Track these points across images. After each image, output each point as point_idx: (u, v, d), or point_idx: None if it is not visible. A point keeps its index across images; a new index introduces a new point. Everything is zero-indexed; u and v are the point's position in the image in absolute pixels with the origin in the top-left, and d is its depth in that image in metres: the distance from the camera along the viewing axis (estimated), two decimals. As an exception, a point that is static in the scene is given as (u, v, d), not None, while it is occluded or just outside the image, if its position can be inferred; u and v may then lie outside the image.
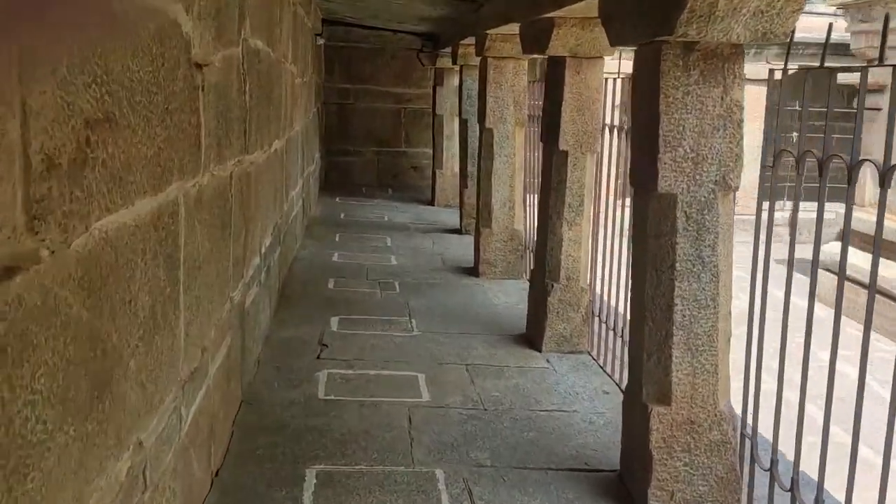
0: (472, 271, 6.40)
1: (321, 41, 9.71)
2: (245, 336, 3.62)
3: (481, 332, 4.87)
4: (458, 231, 8.17)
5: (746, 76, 3.31)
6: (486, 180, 6.15)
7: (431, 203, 10.00)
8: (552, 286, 4.45)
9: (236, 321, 3.38)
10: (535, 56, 4.56)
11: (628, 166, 3.01)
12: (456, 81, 9.72)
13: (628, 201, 3.34)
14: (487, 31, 5.71)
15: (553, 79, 4.35)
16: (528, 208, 6.44)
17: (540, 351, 4.51)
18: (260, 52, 3.90)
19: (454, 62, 7.95)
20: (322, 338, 4.55)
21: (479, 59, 7.13)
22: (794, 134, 10.64)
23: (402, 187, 11.26)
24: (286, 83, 5.28)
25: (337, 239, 7.52)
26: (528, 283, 6.19)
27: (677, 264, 2.61)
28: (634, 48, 2.85)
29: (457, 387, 3.91)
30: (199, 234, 2.51)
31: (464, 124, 8.03)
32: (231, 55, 3.06)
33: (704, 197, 2.60)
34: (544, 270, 4.49)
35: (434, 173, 9.99)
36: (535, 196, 6.39)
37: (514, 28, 5.22)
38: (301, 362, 4.14)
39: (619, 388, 4.01)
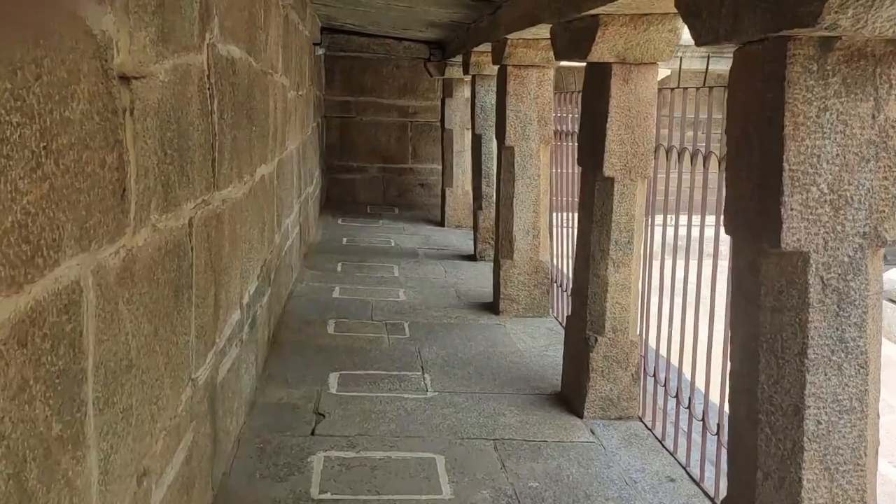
0: (492, 308, 5.63)
1: (320, 51, 9.00)
2: (217, 421, 2.85)
3: (508, 390, 4.10)
4: (472, 257, 7.41)
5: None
6: (507, 205, 5.39)
7: (441, 224, 9.25)
8: (595, 339, 3.68)
9: (203, 407, 2.62)
10: (571, 63, 3.79)
11: (722, 206, 2.24)
12: (467, 93, 8.99)
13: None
14: (507, 36, 4.97)
15: (594, 90, 3.59)
16: (554, 234, 5.68)
17: (581, 417, 3.73)
18: (236, 61, 3.16)
19: (466, 71, 7.22)
20: (318, 403, 3.78)
21: (496, 67, 6.40)
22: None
23: (409, 206, 10.51)
24: (275, 98, 4.53)
25: (338, 269, 6.76)
26: (555, 322, 5.45)
27: (810, 351, 1.85)
28: (733, 47, 2.09)
29: (485, 474, 3.13)
30: (129, 320, 1.75)
31: (477, 140, 7.28)
32: (187, 64, 2.31)
33: (849, 256, 1.83)
34: (585, 320, 3.72)
35: (443, 192, 9.24)
36: (561, 216, 5.64)
37: (540, 31, 4.47)
38: (292, 439, 3.37)
39: (687, 472, 3.23)
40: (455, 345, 4.82)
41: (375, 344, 4.76)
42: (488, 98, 7.07)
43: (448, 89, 9.07)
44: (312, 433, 3.45)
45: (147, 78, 1.87)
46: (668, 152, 3.51)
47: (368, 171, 10.73)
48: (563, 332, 5.25)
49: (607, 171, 3.52)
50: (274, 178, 4.67)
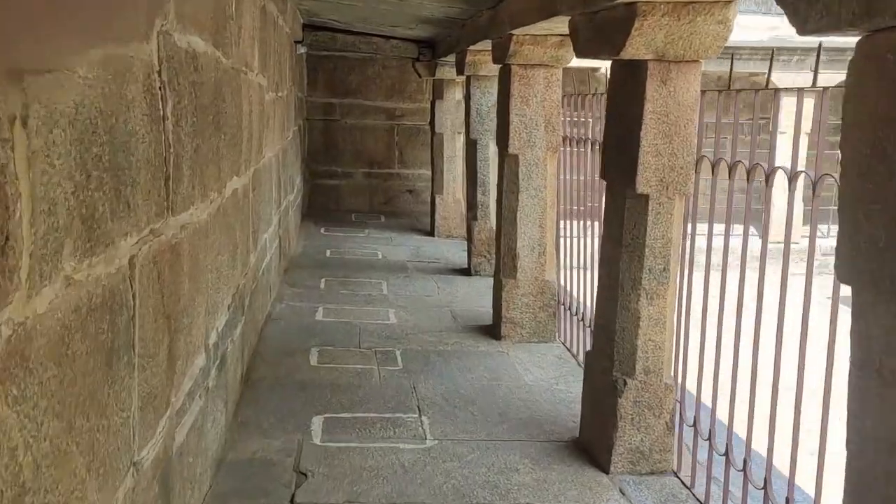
0: (492, 332, 5.09)
1: (302, 49, 8.45)
2: (173, 501, 2.30)
3: (519, 436, 3.56)
4: (466, 272, 6.87)
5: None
6: (510, 220, 4.86)
7: (431, 233, 8.71)
8: (624, 383, 3.15)
9: (152, 492, 2.06)
10: (597, 61, 3.26)
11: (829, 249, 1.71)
12: (458, 95, 8.47)
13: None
14: (513, 32, 4.44)
15: (625, 93, 3.06)
16: (561, 247, 5.15)
17: (607, 472, 3.21)
18: (199, 55, 2.60)
19: (459, 72, 6.68)
20: (299, 458, 3.22)
21: (495, 67, 5.88)
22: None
23: (397, 213, 9.96)
24: (250, 100, 3.97)
25: (321, 286, 6.20)
26: (562, 348, 4.93)
27: None
28: (855, 35, 1.57)
29: (501, 556, 2.60)
30: (19, 427, 1.20)
31: (472, 145, 6.75)
32: (126, 57, 1.76)
33: None
34: (611, 359, 3.19)
35: (433, 199, 8.70)
36: (567, 225, 5.12)
37: (553, 25, 3.95)
38: (267, 509, 2.82)
39: (741, 549, 2.72)
40: (454, 378, 4.28)
41: (365, 378, 4.21)
42: (485, 101, 6.54)
43: (438, 91, 8.53)
44: (292, 501, 2.89)
45: (54, 73, 1.32)
46: (713, 165, 2.98)
47: (353, 176, 10.18)
48: (572, 360, 4.74)
49: (640, 188, 3.00)
50: (249, 190, 4.11)
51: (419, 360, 4.54)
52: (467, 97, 6.66)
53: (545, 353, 4.80)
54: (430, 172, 9.81)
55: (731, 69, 3.19)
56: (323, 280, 6.36)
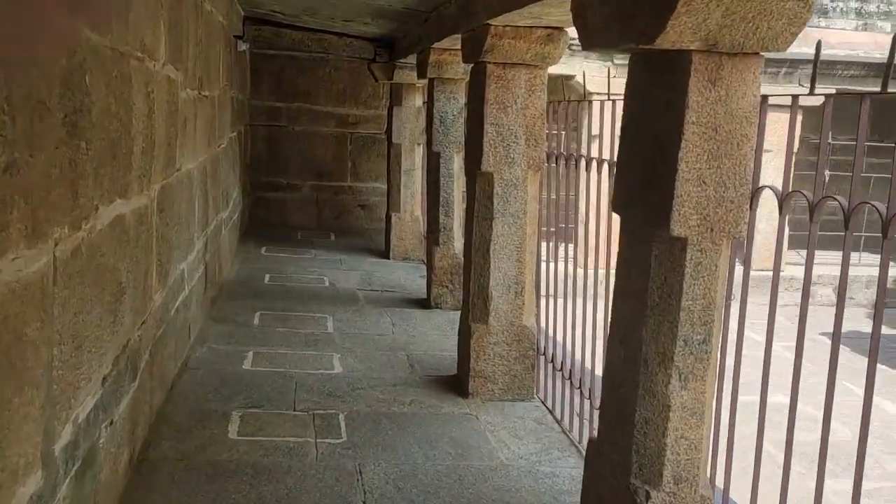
0: (458, 386, 4.21)
1: (244, 46, 7.49)
2: None
3: (497, 549, 2.69)
4: (425, 304, 5.98)
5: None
6: (482, 252, 3.99)
7: (385, 255, 7.80)
8: (647, 495, 2.30)
9: None
10: (619, 53, 2.41)
11: None
12: (419, 101, 7.61)
13: None
14: (491, 22, 3.58)
15: (655, 98, 2.22)
16: (542, 275, 4.30)
17: None
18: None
19: (421, 75, 5.82)
20: None
21: (465, 69, 5.06)
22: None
23: (348, 231, 9.03)
24: (149, 96, 3.03)
25: (255, 322, 5.25)
26: (542, 408, 4.07)
27: None
28: None
29: None
30: None
31: (434, 158, 5.87)
32: None
33: None
34: (627, 458, 2.34)
35: (389, 217, 7.80)
36: (549, 245, 4.28)
37: (545, 11, 3.11)
38: None
39: None
40: (411, 455, 3.39)
41: (297, 457, 3.29)
42: (450, 107, 5.68)
43: (396, 96, 7.65)
44: None
45: None
46: (782, 200, 2.16)
47: (300, 189, 9.22)
48: (554, 425, 3.89)
49: (676, 228, 2.15)
50: (151, 214, 3.17)
51: (368, 428, 3.63)
52: (429, 103, 5.79)
53: (522, 415, 3.94)
54: (384, 185, 8.93)
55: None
56: (257, 314, 5.41)
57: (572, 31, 4.09)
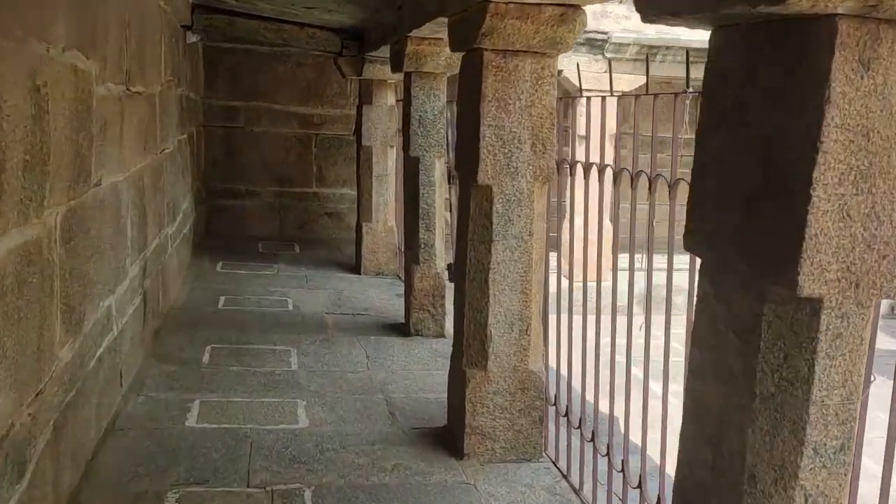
0: (450, 443, 3.46)
1: (195, 38, 6.67)
2: None
3: None
4: (403, 330, 5.22)
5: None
6: (479, 282, 3.25)
7: (357, 270, 7.03)
8: None
9: None
10: (704, 21, 1.67)
11: None
12: (391, 98, 6.85)
13: None
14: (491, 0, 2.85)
15: (769, 84, 1.50)
16: (555, 312, 3.57)
17: None
18: None
19: (396, 68, 5.06)
20: None
21: (451, 59, 4.37)
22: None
23: (314, 242, 8.23)
24: (40, 92, 2.24)
25: (205, 359, 4.45)
26: (554, 471, 3.33)
27: None
28: None
29: None
30: None
31: (412, 164, 5.11)
32: None
33: None
34: None
35: (359, 227, 7.02)
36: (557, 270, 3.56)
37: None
38: None
39: None
40: (399, 551, 2.64)
41: (249, 561, 2.52)
42: (430, 105, 4.93)
43: (366, 94, 6.87)
44: None
45: None
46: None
47: (261, 196, 8.40)
48: (571, 494, 3.17)
49: (808, 285, 1.43)
50: (49, 248, 2.38)
51: (341, 510, 2.88)
52: (406, 100, 5.03)
53: (530, 482, 3.21)
54: (353, 191, 8.17)
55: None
56: (208, 349, 4.61)
57: (590, 9, 3.37)
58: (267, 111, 8.21)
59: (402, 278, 6.91)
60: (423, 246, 5.08)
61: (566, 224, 5.60)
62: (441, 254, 5.14)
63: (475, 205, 3.21)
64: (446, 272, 5.23)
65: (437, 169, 5.04)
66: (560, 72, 7.54)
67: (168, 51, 5.23)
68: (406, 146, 5.06)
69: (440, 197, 5.09)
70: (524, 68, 3.08)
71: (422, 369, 4.53)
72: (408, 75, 4.95)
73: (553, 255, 3.72)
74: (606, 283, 3.26)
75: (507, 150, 3.13)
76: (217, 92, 8.11)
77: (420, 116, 4.95)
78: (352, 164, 8.32)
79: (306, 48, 7.11)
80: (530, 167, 3.16)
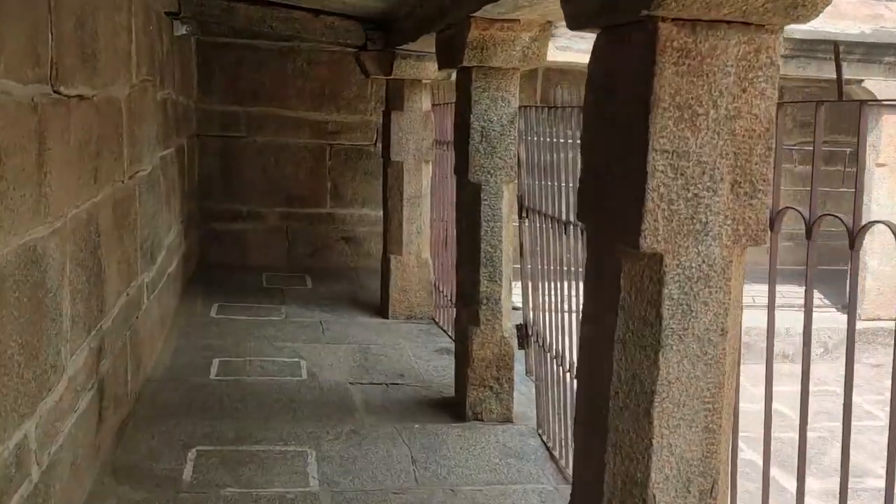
0: None
1: (184, 30, 5.39)
2: None
3: None
4: (457, 411, 3.90)
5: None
6: (635, 413, 1.89)
7: (383, 312, 5.73)
8: None
9: None
10: None
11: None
12: (427, 102, 5.56)
13: None
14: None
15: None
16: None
17: None
18: None
19: (447, 62, 3.76)
20: None
21: (540, 46, 3.10)
22: None
23: (329, 273, 6.92)
24: None
25: (187, 476, 3.12)
26: None
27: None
28: None
29: None
30: None
31: (470, 192, 3.77)
32: None
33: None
34: None
35: (387, 260, 5.72)
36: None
37: None
38: None
39: None
40: None
41: None
42: (497, 113, 3.62)
43: (396, 97, 5.57)
44: None
45: None
46: None
47: (265, 218, 7.10)
48: None
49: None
50: None
51: None
52: (463, 106, 3.71)
53: None
54: (374, 212, 6.91)
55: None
56: (192, 455, 3.29)
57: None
58: (273, 118, 6.91)
59: (439, 322, 5.63)
60: (484, 301, 3.76)
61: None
62: (508, 311, 3.83)
63: (629, 285, 1.88)
64: (516, 336, 3.93)
65: (505, 198, 3.72)
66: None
67: (142, 41, 3.94)
68: (463, 168, 3.73)
69: (507, 236, 3.77)
70: (726, 53, 1.76)
71: (492, 479, 3.23)
72: (465, 72, 3.63)
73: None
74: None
75: (691, 194, 1.80)
76: (213, 95, 6.82)
77: (483, 128, 3.63)
78: (372, 179, 7.05)
79: (321, 41, 5.80)
80: (729, 221, 1.84)
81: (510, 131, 3.65)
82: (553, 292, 3.66)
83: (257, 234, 7.06)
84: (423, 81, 5.48)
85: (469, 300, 3.81)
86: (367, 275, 6.78)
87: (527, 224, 3.96)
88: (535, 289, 3.88)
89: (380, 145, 6.97)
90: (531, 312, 3.95)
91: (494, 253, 3.72)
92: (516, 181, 3.82)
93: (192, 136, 6.49)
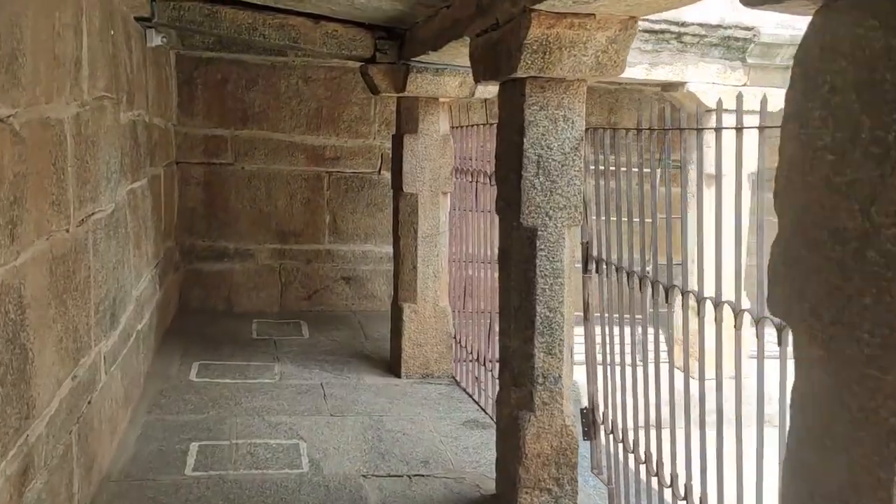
0: None
1: (159, 40, 4.58)
2: None
3: None
4: (504, 522, 3.04)
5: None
6: None
7: (395, 370, 4.86)
8: None
9: None
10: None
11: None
12: (445, 124, 4.74)
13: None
14: None
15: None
16: None
17: None
18: None
19: (492, 73, 2.93)
20: None
21: (620, 48, 2.92)
22: None
23: (328, 319, 6.06)
24: None
25: None
26: None
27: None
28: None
29: None
30: None
31: (524, 238, 2.91)
32: None
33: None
34: None
35: (398, 309, 4.86)
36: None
37: None
38: None
39: None
40: None
41: None
42: (559, 137, 2.77)
43: (409, 118, 4.73)
44: None
45: None
46: None
47: (255, 256, 6.23)
48: None
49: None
50: None
51: None
52: (514, 128, 2.84)
53: None
54: (378, 248, 6.11)
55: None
56: None
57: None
58: (263, 142, 6.07)
59: (461, 383, 4.77)
60: (540, 380, 2.89)
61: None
62: (569, 393, 2.97)
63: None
64: (580, 423, 3.08)
65: (567, 246, 2.86)
66: (683, 85, 5.41)
67: (99, 48, 3.10)
68: (511, 209, 2.88)
69: (570, 295, 2.91)
70: None
71: None
72: (515, 86, 2.79)
73: None
74: None
75: None
76: (196, 117, 5.98)
77: (540, 157, 2.78)
78: (376, 211, 6.23)
79: (322, 53, 4.97)
80: None
81: (574, 161, 2.80)
82: (630, 368, 2.81)
83: (246, 274, 6.19)
84: (441, 100, 4.66)
85: (519, 378, 2.95)
86: (372, 320, 5.93)
87: (595, 279, 3.11)
88: (605, 363, 3.02)
89: (385, 173, 6.18)
90: (599, 393, 3.09)
91: (554, 318, 2.86)
92: (580, 225, 2.98)
93: (171, 163, 5.64)
